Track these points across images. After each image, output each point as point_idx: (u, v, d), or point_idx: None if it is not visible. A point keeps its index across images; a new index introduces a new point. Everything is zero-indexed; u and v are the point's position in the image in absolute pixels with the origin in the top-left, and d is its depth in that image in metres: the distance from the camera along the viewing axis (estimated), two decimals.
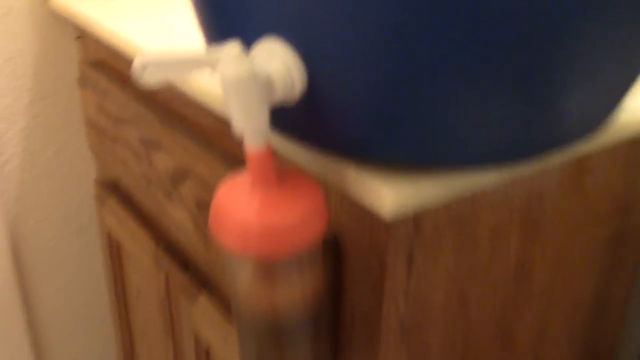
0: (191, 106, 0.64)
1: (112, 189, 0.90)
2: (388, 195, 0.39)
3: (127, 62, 0.76)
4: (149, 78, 0.33)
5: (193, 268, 0.73)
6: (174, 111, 0.68)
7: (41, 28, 0.87)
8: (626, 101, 0.53)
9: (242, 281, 0.40)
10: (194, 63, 0.34)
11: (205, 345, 0.73)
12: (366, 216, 0.45)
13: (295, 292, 0.41)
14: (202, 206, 0.62)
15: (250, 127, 0.36)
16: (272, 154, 0.38)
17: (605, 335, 0.67)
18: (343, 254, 0.48)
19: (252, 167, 0.38)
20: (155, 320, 0.86)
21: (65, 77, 0.91)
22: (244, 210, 0.38)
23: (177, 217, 0.69)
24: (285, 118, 0.40)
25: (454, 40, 0.33)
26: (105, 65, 0.83)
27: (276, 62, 0.35)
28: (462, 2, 0.31)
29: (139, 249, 0.83)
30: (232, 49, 0.33)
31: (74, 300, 1.04)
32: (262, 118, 0.35)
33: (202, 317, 0.70)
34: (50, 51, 0.89)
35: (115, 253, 0.94)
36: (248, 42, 0.37)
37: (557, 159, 0.48)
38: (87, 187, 0.99)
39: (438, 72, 0.34)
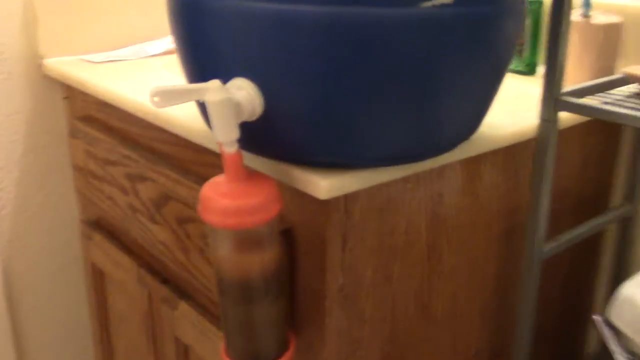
0: (169, 143, 0.80)
1: (97, 226, 1.04)
2: (322, 184, 0.55)
3: (115, 114, 0.92)
4: (160, 103, 0.50)
5: (173, 281, 0.88)
6: (154, 149, 0.84)
7: (35, 89, 1.03)
8: (494, 119, 0.72)
9: (222, 251, 0.56)
10: (190, 93, 0.51)
11: (184, 346, 0.87)
12: (310, 208, 0.61)
13: (259, 259, 0.57)
14: (183, 221, 0.78)
15: (226, 138, 0.52)
16: (241, 158, 0.54)
17: (509, 313, 0.84)
18: (295, 240, 0.64)
19: (227, 166, 0.54)
20: (138, 337, 0.99)
21: (55, 131, 1.07)
22: (222, 197, 0.54)
23: (160, 236, 0.84)
24: (251, 137, 0.57)
25: (363, 85, 0.51)
26: (92, 119, 0.99)
27: (243, 92, 0.52)
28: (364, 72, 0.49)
29: (123, 273, 0.97)
30: (214, 83, 0.50)
31: (60, 331, 1.16)
32: (234, 131, 0.52)
33: (183, 321, 0.85)
34: (42, 109, 1.05)
35: (99, 283, 1.07)
36: (224, 81, 0.54)
37: (443, 162, 0.65)
38: (73, 226, 1.12)
39: (351, 104, 0.52)
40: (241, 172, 0.55)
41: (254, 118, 0.54)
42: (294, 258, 0.65)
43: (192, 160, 0.77)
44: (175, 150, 0.80)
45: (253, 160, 0.62)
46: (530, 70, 0.93)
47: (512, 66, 0.95)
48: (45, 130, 1.06)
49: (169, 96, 0.50)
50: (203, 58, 0.55)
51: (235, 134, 0.52)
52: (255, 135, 0.56)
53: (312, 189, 0.57)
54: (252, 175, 0.56)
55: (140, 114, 0.80)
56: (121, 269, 0.97)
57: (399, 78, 0.52)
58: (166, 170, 0.79)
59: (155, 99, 0.50)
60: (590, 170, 0.88)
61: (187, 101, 0.51)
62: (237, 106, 0.52)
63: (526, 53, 0.92)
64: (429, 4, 0.49)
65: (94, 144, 0.95)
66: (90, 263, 1.07)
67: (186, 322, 0.84)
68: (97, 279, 1.07)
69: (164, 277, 0.89)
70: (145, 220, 0.86)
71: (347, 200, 0.61)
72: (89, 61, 1.01)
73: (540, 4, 0.90)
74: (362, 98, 0.52)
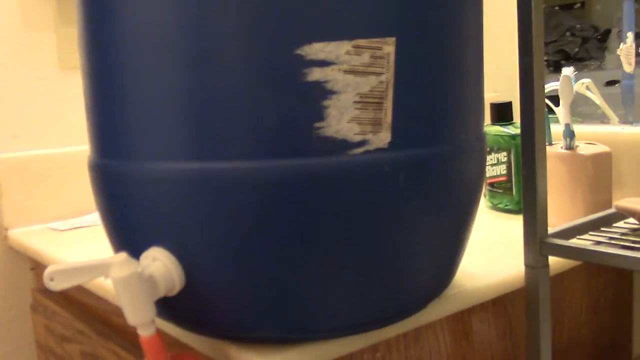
0: (122, 316, 0.72)
1: None
2: None
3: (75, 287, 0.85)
4: (57, 284, 0.43)
5: None
6: (110, 323, 0.76)
7: (0, 262, 0.98)
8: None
9: None
10: (91, 270, 0.43)
11: None
12: None
13: None
14: None
15: (140, 319, 0.44)
16: (162, 341, 0.46)
17: None
18: None
19: (145, 351, 0.46)
20: None
21: (20, 305, 1.00)
22: None
23: None
24: (175, 310, 0.49)
25: (297, 249, 0.43)
26: (55, 292, 0.92)
27: (158, 264, 0.45)
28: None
29: None
30: (119, 256, 0.43)
31: None
32: (149, 310, 0.44)
33: None
34: (6, 282, 0.98)
35: None
36: (139, 252, 0.47)
37: (418, 324, 0.56)
38: None
39: (285, 271, 0.44)
40: (164, 357, 0.46)
41: (173, 293, 0.46)
42: None
43: None
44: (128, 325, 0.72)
45: (182, 335, 0.53)
46: (521, 209, 0.85)
47: (501, 205, 0.87)
48: (11, 304, 0.99)
49: (67, 276, 0.43)
50: (119, 228, 0.49)
51: (150, 313, 0.44)
52: (179, 309, 0.48)
53: None
54: (178, 358, 0.48)
55: (90, 287, 0.72)
56: None
57: (340, 237, 0.44)
58: (115, 347, 0.70)
59: (51, 281, 0.43)
60: (603, 316, 0.78)
61: (90, 279, 0.44)
62: (150, 281, 0.44)
63: (515, 190, 0.85)
64: (359, 150, 0.43)
65: (52, 319, 0.87)
66: None
67: None
68: None
69: None
70: None
71: None
72: (55, 229, 0.96)
73: None
74: (298, 264, 0.44)
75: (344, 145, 0.42)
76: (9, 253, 0.99)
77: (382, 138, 0.43)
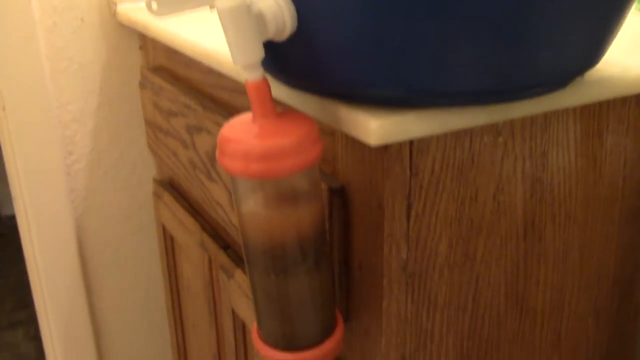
0: (227, 89, 0.70)
1: (168, 185, 0.97)
2: (373, 125, 0.42)
3: (180, 61, 0.84)
4: (159, 10, 0.39)
5: (232, 247, 0.78)
6: (213, 97, 0.74)
7: (109, 38, 0.97)
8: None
9: (246, 206, 0.45)
10: None
11: (241, 322, 0.77)
12: (366, 160, 0.49)
13: (293, 218, 0.45)
14: None
15: (246, 59, 0.41)
16: (268, 86, 0.42)
17: (633, 314, 0.66)
18: (350, 201, 0.52)
19: (251, 98, 0.42)
20: (201, 308, 0.91)
21: (130, 83, 1.01)
22: (245, 136, 0.43)
23: (216, 195, 0.74)
24: (282, 63, 0.45)
25: None
26: (162, 69, 0.91)
27: (269, 1, 0.40)
28: None
29: (188, 236, 0.89)
30: None
31: (133, 295, 1.11)
32: (257, 50, 0.40)
33: (238, 291, 0.75)
34: (117, 59, 0.99)
35: (169, 247, 1.00)
36: None
37: (548, 108, 0.49)
38: (148, 186, 1.07)
39: (411, 13, 0.38)
40: (269, 106, 0.43)
41: (283, 37, 0.41)
42: (348, 224, 0.53)
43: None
44: (233, 98, 0.70)
45: (287, 96, 0.50)
46: None
47: None
48: (121, 81, 1.00)
49: (170, 1, 0.39)
50: None
51: (257, 54, 0.40)
52: (287, 60, 0.44)
53: (360, 131, 0.43)
54: (284, 112, 0.44)
55: (198, 57, 0.70)
56: (186, 232, 0.89)
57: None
58: (220, 119, 0.69)
59: (154, 5, 0.39)
60: None
61: (193, 7, 0.40)
62: (259, 17, 0.40)
63: None
64: None
65: (160, 94, 0.87)
66: (161, 225, 1.01)
67: (241, 293, 0.74)
68: (168, 243, 1.00)
69: (226, 243, 0.80)
70: (203, 177, 0.77)
71: (414, 151, 0.47)
72: None
73: None
74: (427, 6, 0.38)
75: None
76: (118, 30, 0.98)
77: None
